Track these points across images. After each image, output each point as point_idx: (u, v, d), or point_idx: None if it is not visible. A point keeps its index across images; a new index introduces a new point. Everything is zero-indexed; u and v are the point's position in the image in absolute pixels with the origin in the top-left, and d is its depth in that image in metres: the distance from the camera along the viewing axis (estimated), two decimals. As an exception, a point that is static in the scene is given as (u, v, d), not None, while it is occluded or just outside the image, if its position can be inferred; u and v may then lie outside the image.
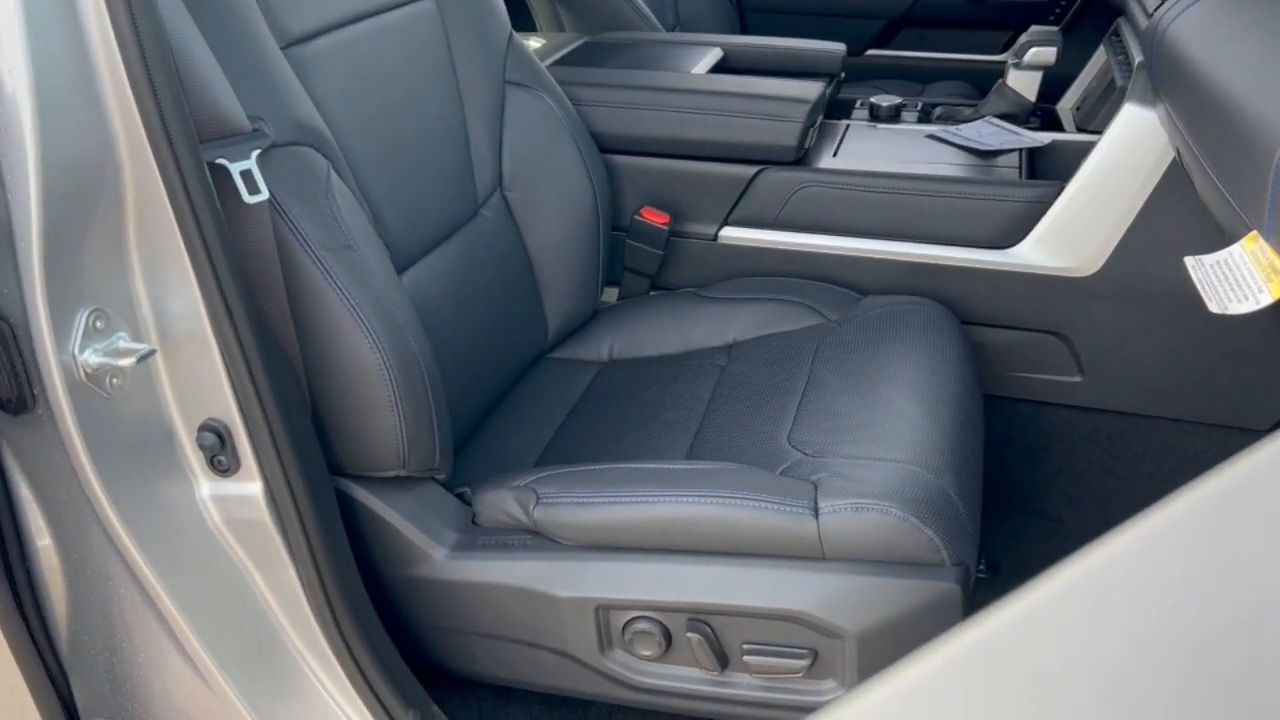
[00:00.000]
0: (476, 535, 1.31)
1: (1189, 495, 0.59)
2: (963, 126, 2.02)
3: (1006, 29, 2.95)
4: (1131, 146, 1.58)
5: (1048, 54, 2.03)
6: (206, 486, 1.13)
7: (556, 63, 2.11)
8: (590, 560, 1.26)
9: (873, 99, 2.17)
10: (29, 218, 0.94)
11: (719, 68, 2.20)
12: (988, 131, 1.98)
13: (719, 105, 1.83)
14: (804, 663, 1.22)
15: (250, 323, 1.05)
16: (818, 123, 1.96)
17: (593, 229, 1.74)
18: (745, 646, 1.24)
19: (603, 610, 1.26)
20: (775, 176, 1.81)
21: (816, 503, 1.20)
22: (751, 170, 1.81)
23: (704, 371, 1.61)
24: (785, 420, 1.42)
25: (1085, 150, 1.65)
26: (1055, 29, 2.11)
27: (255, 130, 1.14)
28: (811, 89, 1.89)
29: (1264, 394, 1.68)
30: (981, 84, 2.55)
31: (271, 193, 1.13)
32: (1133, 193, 1.60)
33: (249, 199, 1.09)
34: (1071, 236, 1.66)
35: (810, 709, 1.26)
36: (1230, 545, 0.57)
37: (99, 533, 1.08)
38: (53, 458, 1.03)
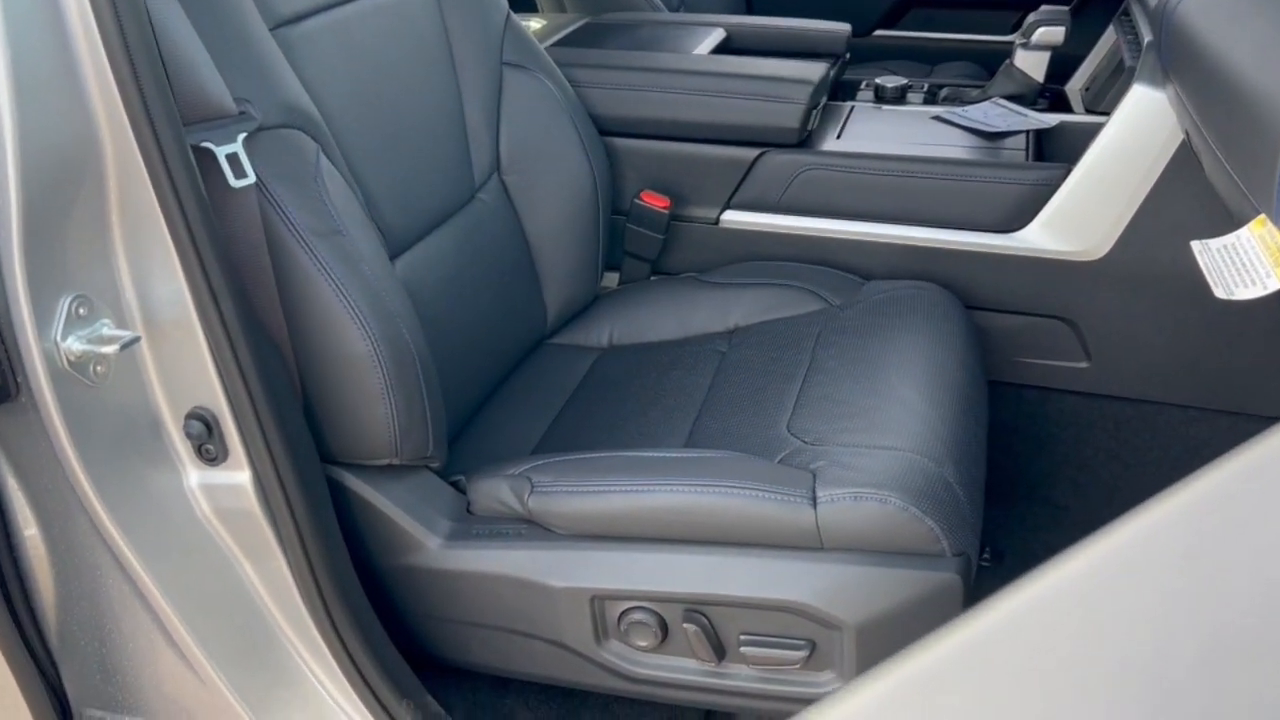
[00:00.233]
0: (471, 524, 1.30)
1: (1203, 480, 0.57)
2: (969, 108, 1.99)
3: (1015, 9, 2.91)
4: (1140, 128, 1.56)
5: (1056, 34, 2.00)
6: (194, 475, 1.12)
7: (556, 44, 2.09)
8: (586, 550, 1.24)
9: (878, 80, 2.14)
10: (7, 201, 0.92)
11: (722, 48, 2.18)
12: (994, 113, 1.95)
13: (720, 87, 1.80)
14: (802, 654, 1.21)
15: (237, 309, 1.04)
16: (821, 104, 1.93)
17: (592, 213, 1.72)
18: (742, 637, 1.22)
19: (598, 600, 1.24)
20: (778, 159, 1.78)
21: (815, 492, 1.18)
22: (753, 153, 1.79)
23: (704, 357, 1.59)
24: (785, 407, 1.40)
25: (1093, 132, 1.62)
26: (1064, 8, 2.08)
27: (242, 113, 1.12)
28: (815, 70, 1.87)
29: (1273, 380, 1.65)
30: (990, 65, 2.51)
31: (258, 177, 1.11)
32: (1141, 175, 1.57)
33: (235, 183, 1.08)
34: (1079, 220, 1.63)
35: (808, 700, 1.24)
36: (1245, 531, 0.56)
37: (85, 522, 1.06)
38: (37, 446, 1.02)
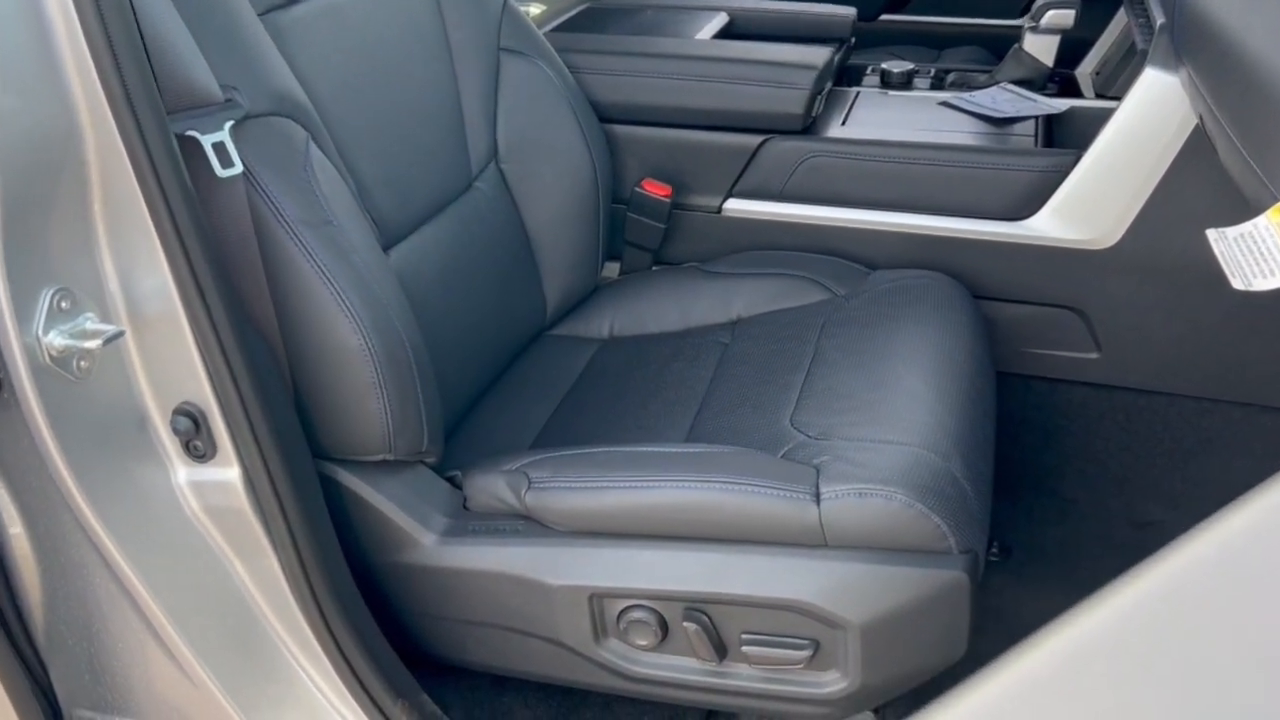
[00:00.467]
0: (467, 520, 1.27)
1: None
2: (977, 93, 1.96)
3: (1025, -8, 2.88)
4: (1152, 113, 1.52)
5: (1065, 17, 1.96)
6: (183, 472, 1.10)
7: (555, 29, 2.06)
8: (584, 547, 1.22)
9: (884, 65, 2.11)
10: (-16, 192, 0.89)
11: (724, 33, 2.15)
12: (1003, 98, 1.92)
13: (723, 72, 1.77)
14: (805, 654, 1.18)
15: (224, 302, 1.01)
16: (826, 90, 1.90)
17: (592, 202, 1.69)
18: (744, 636, 1.20)
19: (597, 599, 1.21)
20: (781, 146, 1.75)
21: (818, 488, 1.15)
22: (756, 140, 1.76)
23: (706, 349, 1.56)
24: (789, 400, 1.37)
25: (1104, 117, 1.59)
26: (1074, -9, 2.04)
27: (228, 100, 1.10)
28: (819, 54, 1.83)
29: (1289, 371, 1.63)
30: (998, 49, 2.48)
31: (246, 166, 1.09)
32: (1153, 161, 1.54)
33: (222, 172, 1.05)
34: (1089, 207, 1.60)
35: (811, 701, 1.22)
36: None
37: (71, 521, 1.04)
38: (20, 443, 1.00)
